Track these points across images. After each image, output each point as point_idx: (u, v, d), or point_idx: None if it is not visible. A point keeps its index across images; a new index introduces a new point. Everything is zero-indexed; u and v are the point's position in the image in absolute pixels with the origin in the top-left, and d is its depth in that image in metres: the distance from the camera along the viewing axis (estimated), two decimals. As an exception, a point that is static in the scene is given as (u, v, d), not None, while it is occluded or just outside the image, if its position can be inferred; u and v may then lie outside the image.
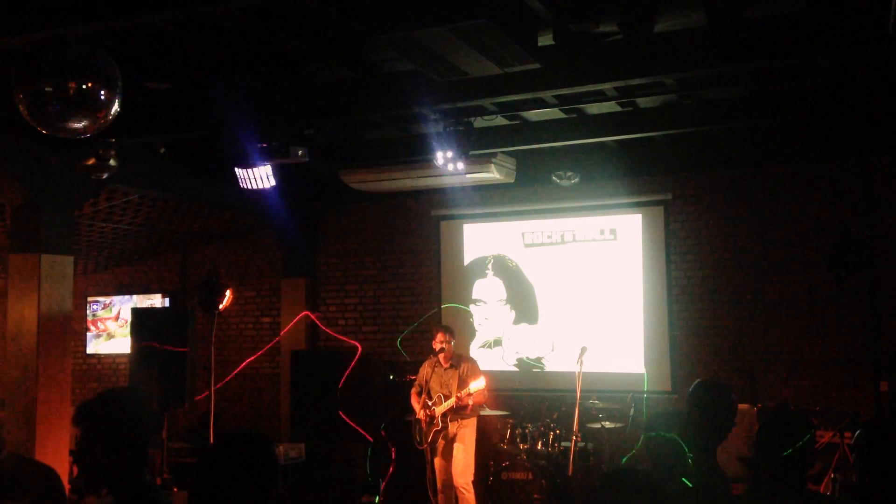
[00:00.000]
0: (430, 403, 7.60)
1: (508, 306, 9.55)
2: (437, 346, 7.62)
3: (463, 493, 7.49)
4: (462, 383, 7.46)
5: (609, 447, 7.84)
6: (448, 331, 7.77)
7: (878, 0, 4.80)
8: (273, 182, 7.07)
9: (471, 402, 7.41)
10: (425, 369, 7.77)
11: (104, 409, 2.74)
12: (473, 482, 7.58)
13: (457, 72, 5.18)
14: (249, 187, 7.03)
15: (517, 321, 9.49)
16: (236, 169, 6.99)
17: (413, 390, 7.87)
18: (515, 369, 9.39)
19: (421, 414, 7.64)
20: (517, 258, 9.51)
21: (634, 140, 8.20)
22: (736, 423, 3.96)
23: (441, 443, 7.57)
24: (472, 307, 9.68)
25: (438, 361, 7.68)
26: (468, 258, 9.74)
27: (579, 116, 7.46)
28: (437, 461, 7.62)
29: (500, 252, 9.59)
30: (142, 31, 5.35)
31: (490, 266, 9.63)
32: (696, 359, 8.60)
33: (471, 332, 9.48)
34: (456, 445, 7.52)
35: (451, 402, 7.40)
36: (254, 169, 6.88)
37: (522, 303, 9.46)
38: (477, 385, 7.32)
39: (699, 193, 8.77)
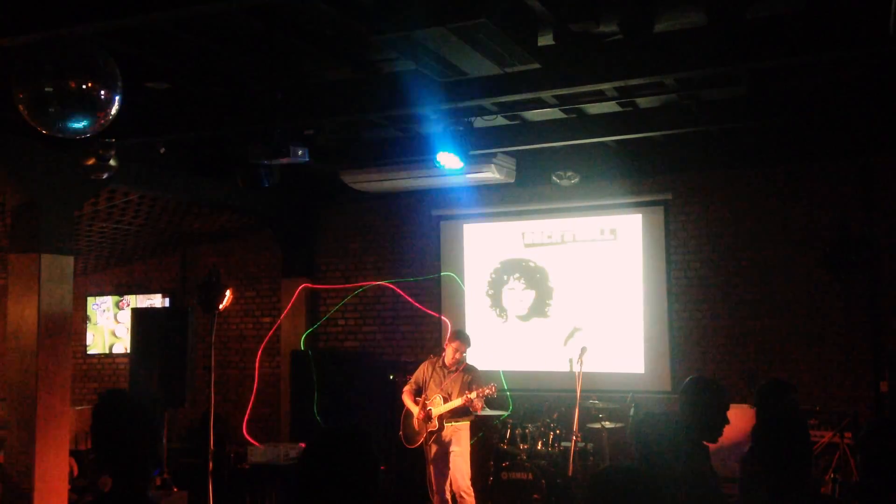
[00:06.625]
0: (427, 403, 7.56)
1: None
2: (447, 347, 7.55)
3: (464, 499, 7.44)
4: (464, 388, 7.33)
5: (609, 447, 7.83)
6: (463, 338, 7.61)
7: (878, 0, 4.80)
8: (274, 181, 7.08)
9: (479, 406, 7.30)
10: (425, 369, 7.69)
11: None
12: (472, 485, 7.54)
13: (457, 72, 5.18)
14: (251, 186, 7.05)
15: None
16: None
17: (406, 388, 7.75)
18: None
19: (418, 412, 7.58)
20: (517, 258, 9.51)
21: (634, 140, 8.20)
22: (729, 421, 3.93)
23: (434, 446, 7.49)
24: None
25: (443, 363, 7.58)
26: (468, 258, 9.73)
27: (579, 116, 7.45)
28: (434, 465, 7.54)
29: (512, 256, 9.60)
30: (142, 31, 5.35)
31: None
32: (696, 359, 8.60)
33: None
34: (452, 450, 7.44)
35: (457, 403, 7.28)
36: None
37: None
38: (488, 390, 7.19)
39: (699, 193, 8.77)
